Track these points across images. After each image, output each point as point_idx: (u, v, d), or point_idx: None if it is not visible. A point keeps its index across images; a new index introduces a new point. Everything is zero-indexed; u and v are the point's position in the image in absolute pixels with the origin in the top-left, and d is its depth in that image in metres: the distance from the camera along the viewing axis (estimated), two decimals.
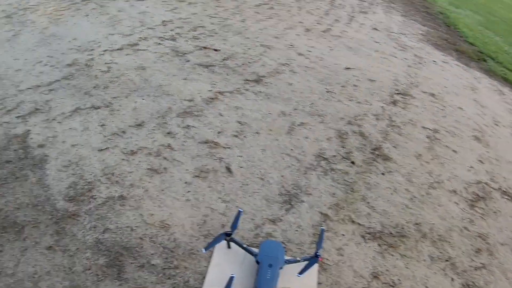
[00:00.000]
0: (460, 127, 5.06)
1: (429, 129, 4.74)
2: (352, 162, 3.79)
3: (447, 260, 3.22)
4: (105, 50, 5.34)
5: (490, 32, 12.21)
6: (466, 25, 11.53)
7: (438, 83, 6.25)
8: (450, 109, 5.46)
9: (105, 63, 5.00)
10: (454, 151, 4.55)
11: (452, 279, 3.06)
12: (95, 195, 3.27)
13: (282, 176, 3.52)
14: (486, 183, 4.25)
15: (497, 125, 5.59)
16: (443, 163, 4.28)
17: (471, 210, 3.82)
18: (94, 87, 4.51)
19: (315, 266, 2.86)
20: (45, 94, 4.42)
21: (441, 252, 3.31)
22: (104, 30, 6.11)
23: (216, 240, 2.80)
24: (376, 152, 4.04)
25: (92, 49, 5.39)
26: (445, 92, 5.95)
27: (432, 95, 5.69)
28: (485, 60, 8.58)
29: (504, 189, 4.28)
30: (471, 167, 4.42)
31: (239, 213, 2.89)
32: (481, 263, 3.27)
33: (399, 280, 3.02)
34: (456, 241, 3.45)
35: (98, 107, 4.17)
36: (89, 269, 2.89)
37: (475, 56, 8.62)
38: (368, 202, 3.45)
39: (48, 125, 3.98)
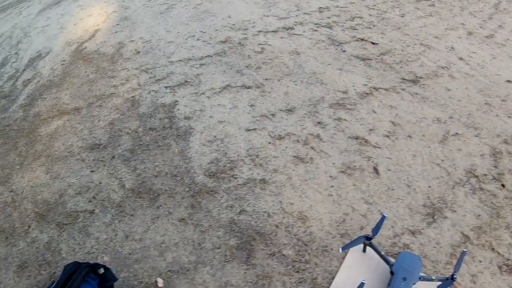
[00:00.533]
0: None
1: None
2: (503, 185, 3.54)
3: None
4: (259, 31, 5.41)
5: None
6: None
7: None
8: None
9: (259, 44, 5.06)
10: None
11: None
12: (237, 175, 3.35)
13: (429, 186, 3.38)
14: None
15: None
16: None
17: None
18: (247, 66, 4.59)
19: None
20: (196, 68, 4.58)
21: None
22: (259, 10, 6.18)
23: (355, 241, 2.77)
24: None
25: (246, 29, 5.47)
26: None
27: None
28: None
29: None
30: None
31: (383, 218, 2.83)
32: None
33: None
34: None
35: (249, 87, 4.25)
36: (218, 248, 2.98)
37: None
38: None
39: (196, 98, 4.13)
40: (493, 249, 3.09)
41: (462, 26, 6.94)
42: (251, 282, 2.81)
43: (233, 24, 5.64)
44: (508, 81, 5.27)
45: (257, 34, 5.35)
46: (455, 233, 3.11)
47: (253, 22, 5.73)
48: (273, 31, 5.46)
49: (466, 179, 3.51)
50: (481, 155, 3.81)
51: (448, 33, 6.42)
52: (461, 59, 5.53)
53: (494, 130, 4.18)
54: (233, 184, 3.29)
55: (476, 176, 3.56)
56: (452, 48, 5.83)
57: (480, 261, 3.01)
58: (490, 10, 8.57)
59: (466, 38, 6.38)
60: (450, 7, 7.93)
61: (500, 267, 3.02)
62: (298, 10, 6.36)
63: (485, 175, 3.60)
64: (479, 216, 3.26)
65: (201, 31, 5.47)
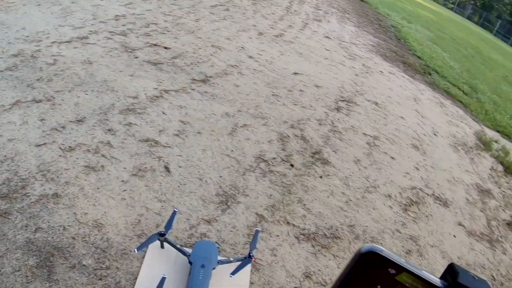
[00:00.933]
0: (399, 135, 5.15)
1: (370, 135, 4.81)
2: (291, 165, 3.79)
3: None
4: (53, 42, 5.16)
5: (438, 47, 12.61)
6: (416, 40, 11.86)
7: (383, 92, 6.36)
8: (391, 117, 5.56)
9: (52, 55, 4.83)
10: (392, 157, 4.63)
11: None
12: (29, 193, 3.13)
13: (220, 176, 3.48)
14: (420, 189, 4.35)
15: (435, 135, 5.74)
16: (380, 168, 4.35)
17: (404, 213, 3.89)
18: (38, 79, 4.33)
19: (248, 267, 2.83)
20: None
21: None
22: (55, 21, 5.92)
23: (149, 240, 2.73)
24: (316, 156, 4.06)
25: (40, 40, 5.19)
26: (388, 102, 6.06)
27: (376, 103, 5.78)
28: (430, 74, 8.82)
29: (437, 195, 4.40)
30: (407, 173, 4.51)
31: (174, 213, 2.83)
32: None
33: (330, 280, 3.03)
34: (388, 243, 3.51)
35: (40, 101, 4.01)
36: (18, 270, 2.75)
37: (421, 69, 8.84)
38: (304, 204, 3.46)
39: None
40: (288, 222, 3.27)
41: (254, 27, 7.35)
42: None
43: (27, 36, 5.28)
44: (295, 73, 5.71)
45: (51, 46, 5.07)
46: (249, 215, 3.23)
47: (48, 33, 5.43)
48: (67, 42, 5.23)
49: (256, 164, 3.68)
50: (269, 141, 4.04)
51: (240, 34, 6.74)
52: (250, 57, 5.85)
53: (281, 118, 4.47)
54: (26, 202, 3.05)
55: (266, 161, 3.75)
56: (242, 47, 6.13)
57: (278, 236, 3.15)
58: (281, 13, 9.25)
59: (257, 38, 6.76)
60: (243, 11, 8.38)
61: (297, 237, 3.20)
62: (94, 19, 6.18)
63: (274, 158, 3.82)
64: (271, 195, 3.43)
65: None
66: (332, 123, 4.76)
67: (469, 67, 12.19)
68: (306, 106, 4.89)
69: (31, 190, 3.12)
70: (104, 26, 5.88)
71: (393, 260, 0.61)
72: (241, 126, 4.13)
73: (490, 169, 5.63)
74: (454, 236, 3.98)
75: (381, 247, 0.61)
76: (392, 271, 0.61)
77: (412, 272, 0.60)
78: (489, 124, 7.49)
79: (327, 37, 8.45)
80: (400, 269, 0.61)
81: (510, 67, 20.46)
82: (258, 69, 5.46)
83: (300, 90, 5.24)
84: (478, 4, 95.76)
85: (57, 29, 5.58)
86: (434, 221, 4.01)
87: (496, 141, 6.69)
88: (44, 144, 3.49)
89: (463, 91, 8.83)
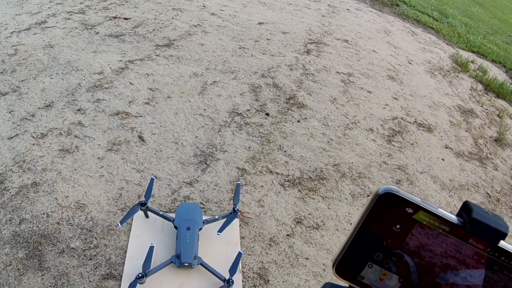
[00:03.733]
0: (374, 69, 5.01)
1: (343, 73, 4.65)
2: (267, 114, 3.63)
3: (368, 195, 3.16)
4: (12, 32, 4.91)
5: None
6: None
7: (352, 29, 6.16)
8: (363, 52, 5.39)
9: (12, 46, 4.59)
10: (369, 91, 4.49)
11: None
12: (8, 186, 2.99)
13: (196, 137, 3.32)
14: (402, 118, 4.24)
15: (410, 63, 5.60)
16: (358, 104, 4.21)
17: (388, 145, 3.78)
18: (1, 72, 4.13)
19: (236, 222, 2.72)
20: None
21: (362, 189, 3.26)
22: (11, 10, 5.63)
23: (131, 212, 2.60)
24: (291, 101, 3.90)
25: None
26: (358, 38, 5.87)
27: (346, 41, 5.59)
28: (397, 5, 8.62)
29: (420, 122, 4.29)
30: (386, 104, 4.38)
31: (152, 180, 2.69)
32: None
33: (322, 221, 2.93)
34: (376, 176, 3.41)
35: (6, 93, 3.81)
36: (9, 265, 2.65)
37: (388, 1, 8.64)
38: (285, 151, 3.32)
39: None
40: (271, 171, 3.14)
41: None
42: (50, 286, 2.55)
43: None
44: (260, 23, 5.48)
45: (10, 36, 4.83)
46: (231, 170, 3.09)
47: (6, 24, 5.17)
48: (26, 29, 4.98)
49: (231, 119, 3.52)
50: (241, 94, 3.87)
51: None
52: (213, 14, 5.60)
53: (250, 69, 4.29)
54: (7, 197, 2.92)
55: (240, 114, 3.59)
56: (204, 6, 5.87)
57: (262, 186, 3.03)
58: None
59: None
60: None
61: (282, 185, 3.08)
62: (50, 1, 5.87)
63: (248, 110, 3.66)
64: (250, 148, 3.29)
65: None
66: (304, 66, 4.58)
67: None
68: (274, 54, 4.70)
69: (9, 183, 3.00)
70: (62, 8, 5.60)
71: (409, 199, 0.62)
72: (210, 84, 3.95)
73: (470, 89, 5.52)
74: (443, 159, 3.89)
75: (397, 188, 0.62)
76: (410, 210, 0.62)
77: (429, 210, 0.61)
78: (463, 46, 7.37)
79: None
80: (417, 208, 0.62)
81: None
82: (222, 25, 5.23)
83: (267, 39, 5.03)
84: None
85: (15, 18, 5.32)
86: (420, 148, 3.91)
87: (472, 62, 6.58)
88: (16, 135, 3.34)
89: (432, 17, 8.66)
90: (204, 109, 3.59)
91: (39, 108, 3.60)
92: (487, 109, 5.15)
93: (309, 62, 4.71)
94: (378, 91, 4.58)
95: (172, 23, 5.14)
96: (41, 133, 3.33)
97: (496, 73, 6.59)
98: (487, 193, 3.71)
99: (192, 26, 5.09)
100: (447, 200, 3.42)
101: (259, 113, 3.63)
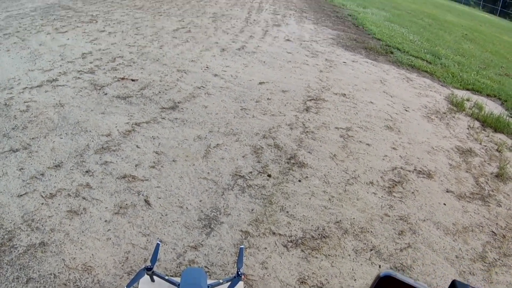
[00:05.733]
0: (371, 121, 5.05)
1: (342, 128, 4.70)
2: (269, 175, 3.66)
3: (371, 250, 3.15)
4: (25, 88, 5.05)
5: (396, 25, 12.58)
6: (373, 23, 11.81)
7: (349, 82, 6.25)
8: (361, 105, 5.46)
9: (24, 102, 4.71)
10: (368, 144, 4.52)
11: (380, 266, 2.97)
12: (16, 244, 3.01)
13: (200, 201, 3.34)
14: (401, 168, 4.25)
15: (407, 110, 5.65)
16: (357, 158, 4.23)
17: (389, 196, 3.78)
18: (13, 128, 4.21)
19: (240, 285, 2.69)
20: None
21: (364, 243, 3.24)
22: (25, 65, 5.81)
23: (137, 276, 2.58)
24: (292, 161, 3.93)
25: (12, 87, 5.08)
26: (355, 90, 5.96)
27: (343, 95, 5.67)
28: (392, 52, 8.76)
29: (419, 169, 4.30)
30: (385, 155, 4.40)
31: (157, 245, 2.69)
32: (406, 243, 3.24)
33: (326, 280, 2.91)
34: (378, 229, 3.40)
35: (17, 150, 3.89)
36: None
37: (383, 50, 8.77)
38: (287, 212, 3.33)
39: None
40: (274, 233, 3.14)
41: (216, 44, 7.24)
42: None
43: None
44: (260, 83, 5.59)
45: (23, 92, 4.96)
46: (234, 234, 3.09)
47: (19, 79, 5.31)
48: (38, 86, 5.11)
49: (234, 182, 3.55)
50: (243, 156, 3.91)
51: (203, 54, 6.63)
52: (216, 75, 5.72)
53: (252, 130, 4.34)
54: (14, 254, 2.92)
55: (242, 176, 3.62)
56: (207, 67, 6.01)
57: (265, 248, 3.02)
58: (241, 25, 9.14)
59: (220, 55, 6.65)
60: (204, 30, 8.27)
61: (285, 246, 3.07)
62: (62, 59, 6.06)
63: (251, 172, 3.68)
64: (253, 210, 3.30)
65: None
66: (303, 124, 4.63)
67: (428, 36, 12.16)
68: (275, 114, 4.77)
69: (18, 241, 3.01)
70: (72, 66, 5.77)
71: (407, 282, 0.67)
72: (214, 147, 4.00)
73: (467, 128, 5.55)
74: (444, 204, 3.87)
75: (395, 272, 0.68)
76: None
77: None
78: (458, 85, 7.43)
79: (288, 40, 8.36)
80: None
81: (467, 25, 20.58)
82: (224, 86, 5.34)
83: (268, 99, 5.12)
84: None
85: (27, 74, 5.48)
86: (421, 196, 3.90)
87: (467, 99, 6.63)
88: (26, 193, 3.38)
89: (426, 60, 8.79)
90: (208, 173, 3.63)
91: (48, 168, 3.65)
92: (485, 145, 5.15)
93: (309, 119, 4.76)
94: (377, 142, 4.60)
95: (177, 85, 5.26)
96: (50, 193, 3.37)
97: (491, 107, 6.62)
98: (492, 232, 3.67)
99: (196, 88, 5.20)
100: (451, 245, 3.39)
101: (261, 175, 3.65)
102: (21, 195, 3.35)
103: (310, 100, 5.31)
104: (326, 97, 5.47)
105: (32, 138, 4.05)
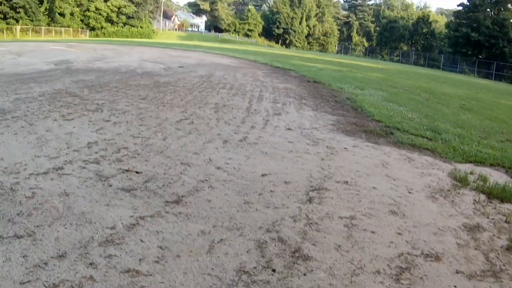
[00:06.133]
0: (375, 207, 5.10)
1: (346, 217, 4.75)
2: (273, 270, 3.68)
3: None
4: (31, 174, 5.18)
5: (394, 104, 12.91)
6: (372, 104, 12.15)
7: (351, 169, 6.37)
8: (364, 191, 5.53)
9: (30, 188, 4.82)
10: (373, 232, 4.55)
11: None
12: None
13: None
14: (408, 253, 4.23)
15: (410, 192, 5.70)
16: (363, 247, 4.25)
17: (397, 284, 3.75)
18: (18, 214, 4.29)
19: None
20: None
21: None
22: (31, 151, 6.00)
23: None
24: (296, 254, 3.96)
25: (18, 172, 5.21)
26: (357, 176, 6.06)
27: (346, 182, 5.77)
28: (392, 133, 8.93)
29: (427, 252, 4.28)
30: (391, 242, 4.41)
31: None
32: None
33: None
34: None
35: (21, 236, 3.93)
36: None
37: (382, 132, 8.96)
38: None
39: None
40: None
41: (219, 136, 7.48)
42: None
43: (6, 168, 5.29)
44: (262, 175, 5.72)
45: (29, 178, 5.07)
46: None
47: (25, 164, 5.45)
48: (44, 173, 5.23)
49: (238, 278, 3.56)
50: (247, 251, 3.95)
51: (206, 146, 6.84)
52: (218, 168, 5.88)
53: (255, 224, 4.42)
54: None
55: (247, 272, 3.64)
56: (210, 160, 6.18)
57: None
58: (242, 115, 9.47)
59: (222, 147, 6.85)
60: (207, 121, 8.57)
61: None
62: (68, 147, 6.25)
63: (255, 267, 3.71)
64: None
65: None
66: (307, 216, 4.70)
67: (426, 111, 12.44)
68: (278, 206, 4.86)
69: None
70: (78, 155, 5.95)
71: None
72: (218, 242, 4.06)
73: (473, 203, 5.56)
74: (455, 286, 3.81)
75: None
76: None
77: None
78: (460, 159, 7.50)
79: (288, 129, 8.62)
80: None
81: (463, 94, 21.12)
82: (227, 179, 5.47)
83: (270, 191, 5.23)
84: (418, 48, 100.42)
85: (34, 160, 5.64)
86: (429, 280, 3.85)
87: (471, 173, 6.67)
88: (29, 281, 3.38)
89: (427, 137, 8.93)
90: (212, 268, 3.66)
91: (52, 257, 3.68)
92: (493, 218, 5.13)
93: (312, 210, 4.84)
94: (382, 229, 4.63)
95: (181, 178, 5.40)
96: (53, 283, 3.37)
97: (496, 177, 6.65)
98: None
99: (199, 182, 5.33)
100: None
101: (265, 270, 3.68)
102: (23, 283, 3.37)
103: (313, 190, 5.41)
104: (328, 186, 5.57)
105: (37, 226, 4.13)
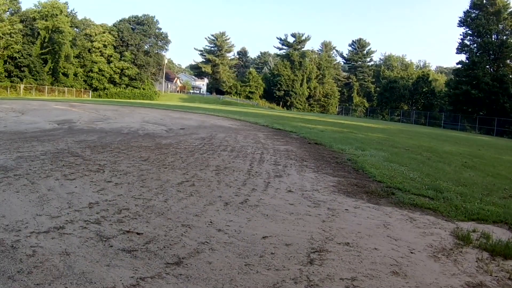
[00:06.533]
0: (377, 268, 5.11)
1: (347, 278, 4.76)
2: None
3: None
4: (32, 232, 5.23)
5: (395, 164, 12.95)
6: (373, 165, 12.21)
7: (352, 230, 6.41)
8: (365, 253, 5.55)
9: (31, 246, 4.86)
10: None
11: None
12: None
13: None
14: None
15: (412, 252, 5.70)
16: None
17: None
18: (18, 271, 4.32)
19: None
20: None
21: None
22: (33, 209, 6.07)
23: None
24: None
25: (19, 230, 5.27)
26: (359, 238, 6.09)
27: (347, 244, 5.80)
28: (393, 194, 8.97)
29: None
30: None
31: None
32: None
33: None
34: None
35: None
36: None
37: (384, 192, 9.01)
38: None
39: None
40: None
41: (220, 198, 7.57)
42: None
43: (7, 225, 5.33)
44: (264, 237, 5.77)
45: (30, 236, 5.11)
46: None
47: (26, 222, 5.50)
48: (45, 232, 5.28)
49: None
50: None
51: (207, 208, 6.92)
52: (219, 230, 5.94)
53: (256, 286, 4.44)
54: None
55: None
56: (211, 222, 6.25)
57: None
58: (244, 177, 9.59)
59: (224, 209, 6.93)
60: (208, 183, 8.68)
61: None
62: (69, 207, 6.32)
63: None
64: None
65: None
66: (308, 278, 4.72)
67: (428, 171, 12.47)
68: (279, 268, 4.88)
69: None
70: (79, 215, 6.02)
71: None
72: None
73: (476, 261, 5.53)
74: None
75: None
76: None
77: None
78: (462, 217, 7.48)
79: (289, 191, 8.70)
80: None
81: (465, 152, 21.14)
82: (228, 241, 5.52)
83: (271, 253, 5.27)
84: (419, 107, 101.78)
85: (35, 218, 5.71)
86: None
87: (473, 231, 6.65)
88: None
89: (428, 197, 8.94)
90: None
91: None
92: (496, 275, 5.09)
93: (313, 272, 4.86)
94: None
95: (182, 240, 5.46)
96: None
97: (499, 234, 6.63)
98: None
99: (200, 244, 5.39)
100: None
101: None
102: None
103: (314, 252, 5.44)
104: (329, 248, 5.60)
105: (37, 284, 4.16)
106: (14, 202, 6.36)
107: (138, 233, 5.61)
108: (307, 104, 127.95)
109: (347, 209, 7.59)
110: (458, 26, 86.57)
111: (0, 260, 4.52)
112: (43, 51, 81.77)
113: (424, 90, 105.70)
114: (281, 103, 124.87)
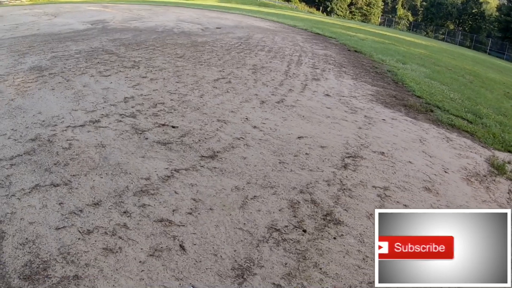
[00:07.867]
0: (409, 181, 5.08)
1: (380, 187, 4.76)
2: (304, 230, 3.75)
3: None
4: (68, 126, 5.36)
5: (436, 82, 12.55)
6: (413, 79, 11.85)
7: (388, 140, 6.33)
8: (399, 164, 5.51)
9: (67, 140, 4.99)
10: (405, 205, 4.55)
11: None
12: (50, 274, 3.15)
13: (234, 250, 3.46)
14: None
15: (446, 172, 5.64)
16: None
17: None
18: (55, 164, 4.47)
19: None
20: (6, 169, 4.36)
21: None
22: (68, 105, 6.17)
23: None
24: (328, 218, 4.01)
25: (55, 125, 5.39)
26: (394, 149, 6.02)
27: (382, 153, 5.75)
28: (432, 111, 8.76)
29: None
30: None
31: None
32: None
33: None
34: None
35: (58, 185, 4.11)
36: None
37: (423, 108, 8.80)
38: (321, 268, 3.39)
39: (7, 200, 3.89)
40: None
41: (256, 96, 7.50)
42: None
43: (43, 121, 5.50)
44: (299, 137, 5.75)
45: (66, 130, 5.26)
46: (266, 286, 3.16)
47: (62, 118, 5.64)
48: (80, 126, 5.42)
49: (269, 235, 3.65)
50: (280, 209, 4.03)
51: (243, 105, 6.88)
52: (255, 127, 5.93)
53: (289, 184, 4.47)
54: (48, 284, 3.05)
55: (278, 230, 3.73)
56: (246, 119, 6.23)
57: None
58: (281, 78, 9.43)
59: (260, 107, 6.88)
60: (245, 81, 8.58)
61: None
62: (105, 102, 6.41)
63: (286, 226, 3.79)
64: (286, 264, 3.38)
65: (12, 129, 5.21)
66: (341, 181, 4.73)
67: (469, 94, 12.09)
68: (313, 169, 4.89)
69: (52, 272, 3.15)
70: (115, 109, 6.08)
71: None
72: (251, 198, 4.14)
73: (508, 192, 5.47)
74: None
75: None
76: None
77: None
78: (499, 147, 7.32)
79: (327, 95, 8.55)
80: None
81: (509, 83, 20.30)
82: (263, 139, 5.52)
83: (306, 154, 5.26)
84: (466, 28, 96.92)
85: (71, 113, 5.80)
86: None
87: (509, 162, 6.52)
88: (64, 227, 3.55)
89: (467, 120, 8.71)
90: (244, 223, 3.75)
91: (87, 205, 3.85)
92: None
93: (346, 177, 4.86)
94: (414, 204, 4.63)
95: (217, 134, 5.48)
96: (88, 229, 3.53)
97: None
98: None
99: (235, 139, 5.40)
100: None
101: (296, 230, 3.75)
102: (58, 228, 3.54)
103: (349, 157, 5.41)
104: (364, 155, 5.57)
105: (73, 175, 4.29)
106: (49, 99, 6.41)
107: (173, 127, 5.64)
108: (348, 12, 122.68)
109: (384, 119, 7.46)
110: None
111: (37, 154, 4.63)
112: None
113: (473, 11, 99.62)
114: (320, 8, 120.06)
